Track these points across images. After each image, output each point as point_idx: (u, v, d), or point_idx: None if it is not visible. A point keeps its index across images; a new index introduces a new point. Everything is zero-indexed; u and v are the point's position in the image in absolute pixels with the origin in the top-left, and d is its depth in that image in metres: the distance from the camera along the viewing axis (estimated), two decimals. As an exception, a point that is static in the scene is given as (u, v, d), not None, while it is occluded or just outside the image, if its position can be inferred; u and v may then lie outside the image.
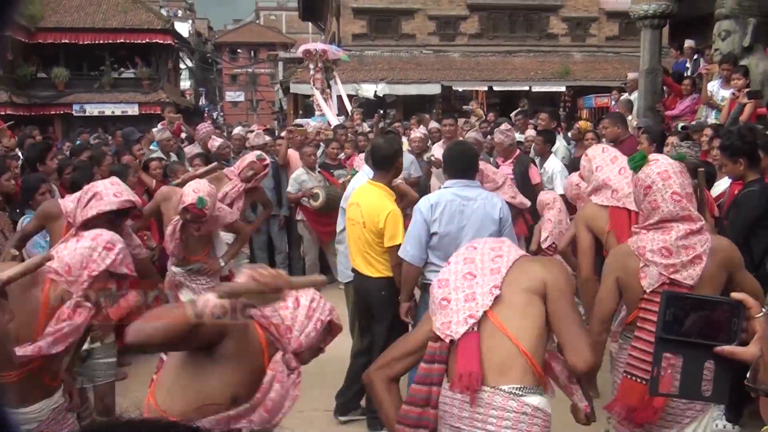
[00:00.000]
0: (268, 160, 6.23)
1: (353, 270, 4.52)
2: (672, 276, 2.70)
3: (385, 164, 4.36)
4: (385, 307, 4.33)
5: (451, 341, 2.36)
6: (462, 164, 4.10)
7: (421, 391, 2.38)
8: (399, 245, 4.09)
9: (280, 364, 2.05)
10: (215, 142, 8.39)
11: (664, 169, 2.78)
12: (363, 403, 4.64)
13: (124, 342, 1.88)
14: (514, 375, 2.31)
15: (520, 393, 2.29)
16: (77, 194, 3.73)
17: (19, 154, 7.28)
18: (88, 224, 3.38)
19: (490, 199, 4.07)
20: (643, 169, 2.81)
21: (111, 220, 3.49)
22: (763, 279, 4.04)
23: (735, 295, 1.38)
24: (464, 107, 14.24)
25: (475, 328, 2.35)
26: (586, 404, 2.46)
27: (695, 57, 10.97)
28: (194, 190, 4.46)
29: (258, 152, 6.30)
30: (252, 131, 10.00)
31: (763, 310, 1.37)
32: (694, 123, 8.37)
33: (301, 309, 2.12)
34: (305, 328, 2.11)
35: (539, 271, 2.45)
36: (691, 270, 2.70)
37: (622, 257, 2.85)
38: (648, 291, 2.72)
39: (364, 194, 4.41)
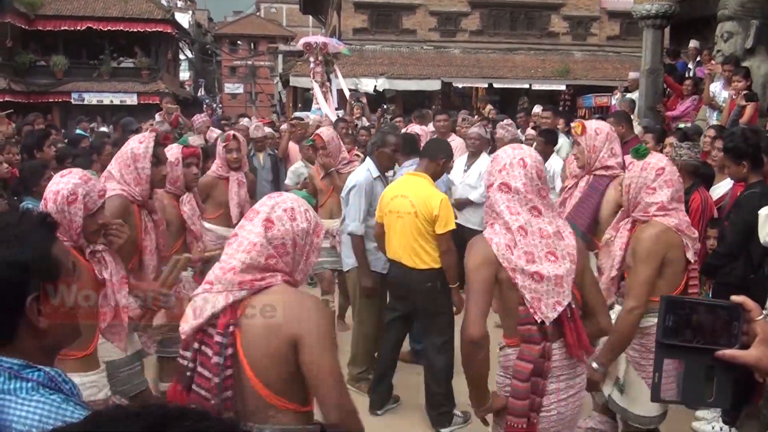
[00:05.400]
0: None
1: (394, 262, 4.54)
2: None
3: (435, 155, 4.56)
4: (433, 298, 4.45)
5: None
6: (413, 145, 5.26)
7: (526, 368, 2.51)
8: (450, 231, 4.34)
9: None
10: (213, 134, 8.37)
11: (667, 159, 3.28)
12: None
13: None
14: None
15: None
16: None
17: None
18: None
19: None
20: (651, 156, 3.19)
21: None
22: (762, 281, 4.06)
23: (735, 298, 1.37)
24: (480, 107, 14.01)
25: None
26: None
27: (698, 58, 10.96)
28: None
29: None
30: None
31: (764, 312, 1.37)
32: (689, 125, 8.37)
33: None
34: None
35: (584, 261, 2.65)
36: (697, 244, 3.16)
37: (664, 236, 3.07)
38: (692, 261, 3.12)
39: (409, 185, 4.49)
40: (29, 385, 1.23)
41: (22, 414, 1.20)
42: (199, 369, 2.06)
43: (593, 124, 4.14)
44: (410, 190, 4.44)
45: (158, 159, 3.53)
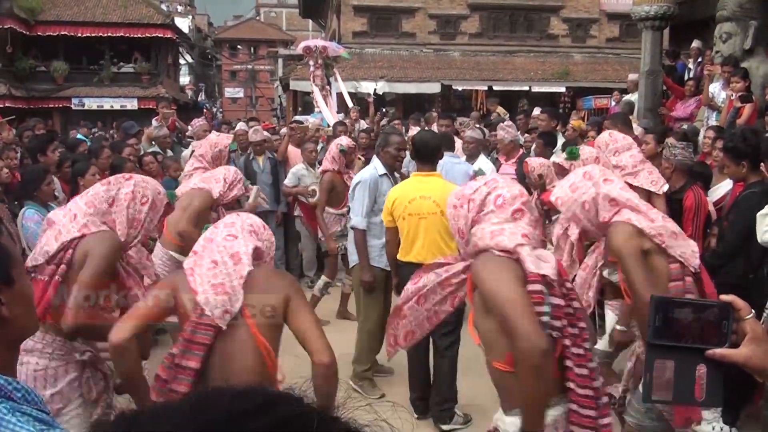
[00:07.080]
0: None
1: (412, 264, 4.20)
2: None
3: (435, 156, 4.59)
4: None
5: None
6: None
7: None
8: None
9: None
10: (214, 138, 8.37)
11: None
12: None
13: None
14: None
15: None
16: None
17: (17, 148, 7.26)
18: None
19: None
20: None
21: None
22: (761, 281, 4.06)
23: (724, 297, 1.37)
24: (491, 108, 13.96)
25: None
26: None
27: (699, 59, 10.95)
28: None
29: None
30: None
31: (753, 312, 1.37)
32: (686, 127, 8.37)
33: None
34: None
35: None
36: None
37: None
38: None
39: (427, 186, 4.47)
40: None
41: None
42: None
43: None
44: (430, 190, 4.44)
45: None
